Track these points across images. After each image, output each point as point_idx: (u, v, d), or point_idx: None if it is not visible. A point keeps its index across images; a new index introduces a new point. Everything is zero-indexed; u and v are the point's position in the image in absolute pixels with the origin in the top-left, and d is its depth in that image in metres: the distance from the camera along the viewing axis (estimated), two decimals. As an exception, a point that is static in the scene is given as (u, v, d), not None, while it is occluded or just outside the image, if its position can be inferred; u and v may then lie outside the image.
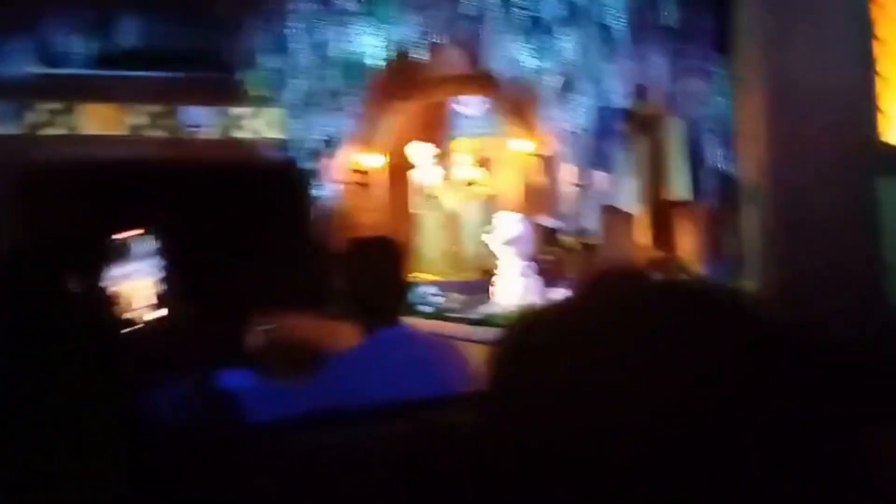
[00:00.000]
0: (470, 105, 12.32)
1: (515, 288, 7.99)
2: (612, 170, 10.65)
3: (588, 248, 10.15)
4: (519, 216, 8.31)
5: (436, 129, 12.14)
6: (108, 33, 9.35)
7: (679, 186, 8.42)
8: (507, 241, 8.01)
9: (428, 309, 9.05)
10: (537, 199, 11.07)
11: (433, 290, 9.80)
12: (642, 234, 8.74)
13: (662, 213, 8.61)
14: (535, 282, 8.13)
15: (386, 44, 9.02)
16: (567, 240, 9.87)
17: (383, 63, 9.18)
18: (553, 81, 9.86)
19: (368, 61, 9.48)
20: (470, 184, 11.32)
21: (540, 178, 11.14)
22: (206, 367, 1.91)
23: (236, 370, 2.04)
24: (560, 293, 8.20)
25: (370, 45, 8.98)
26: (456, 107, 12.35)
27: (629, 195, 9.66)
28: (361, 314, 1.88)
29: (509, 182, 11.35)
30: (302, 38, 9.25)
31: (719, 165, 7.12)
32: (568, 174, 10.43)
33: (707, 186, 7.75)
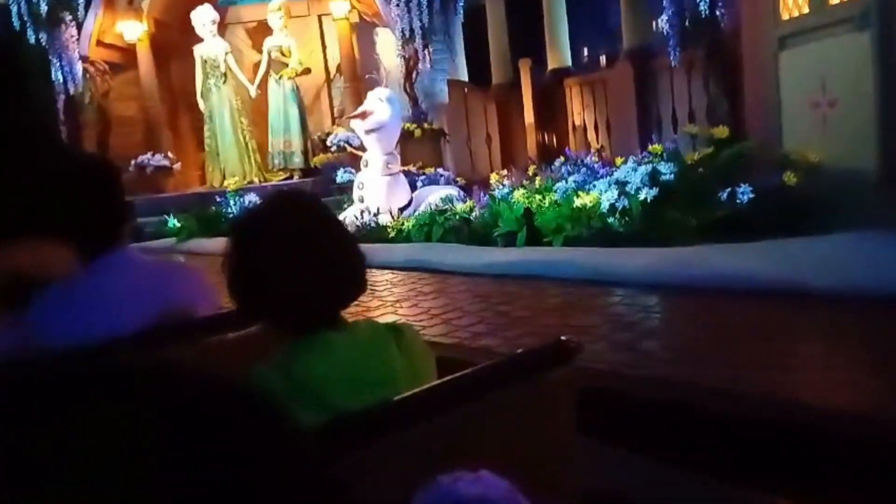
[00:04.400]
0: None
1: (376, 190, 5.97)
2: (454, 35, 8.79)
3: (432, 132, 8.31)
4: (385, 92, 6.17)
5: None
6: None
7: (562, 53, 6.75)
8: (372, 126, 5.91)
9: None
10: (361, 73, 8.92)
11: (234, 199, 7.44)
12: (528, 114, 7.00)
13: (543, 87, 6.90)
14: (399, 178, 6.16)
15: None
16: (411, 126, 7.93)
17: None
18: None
19: None
20: (276, 59, 8.80)
21: (366, 48, 8.96)
22: None
23: None
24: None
25: None
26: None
27: (484, 67, 7.86)
28: (76, 238, 1.62)
29: (331, 53, 9.03)
30: None
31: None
32: (395, 42, 8.36)
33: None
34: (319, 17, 9.32)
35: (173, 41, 8.94)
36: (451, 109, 8.11)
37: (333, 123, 9.39)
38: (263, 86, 8.85)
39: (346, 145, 8.37)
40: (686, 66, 4.94)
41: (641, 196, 3.79)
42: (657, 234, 3.61)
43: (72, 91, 8.34)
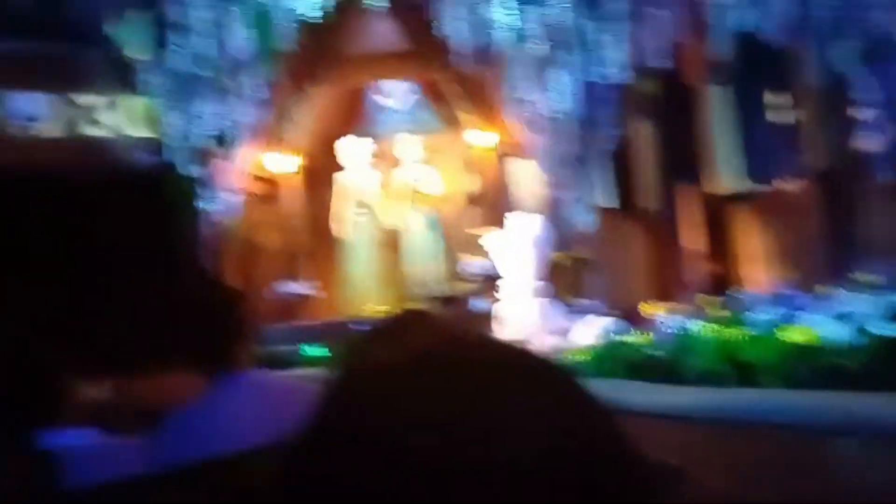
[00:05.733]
0: (394, 94, 9.87)
1: (528, 313, 5.58)
2: (603, 163, 8.58)
3: (579, 262, 7.96)
4: (532, 216, 5.93)
5: (354, 122, 9.57)
6: None
7: (730, 173, 6.35)
8: (521, 246, 5.62)
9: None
10: (498, 204, 8.79)
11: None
12: (689, 241, 6.56)
13: (707, 211, 6.47)
14: (552, 304, 5.76)
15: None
16: (555, 255, 7.62)
17: (313, 17, 6.50)
18: (531, 50, 7.64)
19: (286, 19, 6.78)
20: (415, 189, 8.82)
21: (502, 178, 8.89)
22: (22, 424, 1.70)
23: (66, 428, 1.83)
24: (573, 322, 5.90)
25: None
26: (377, 97, 9.86)
27: (634, 192, 7.57)
28: (201, 361, 1.69)
29: (465, 185, 9.04)
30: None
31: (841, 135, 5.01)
32: (542, 171, 8.23)
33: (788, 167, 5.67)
34: (460, 147, 9.39)
35: (318, 171, 9.14)
36: (597, 236, 7.77)
37: (472, 252, 9.24)
38: (404, 215, 8.85)
39: (486, 273, 8.13)
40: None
41: (882, 332, 3.24)
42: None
43: (219, 220, 8.55)
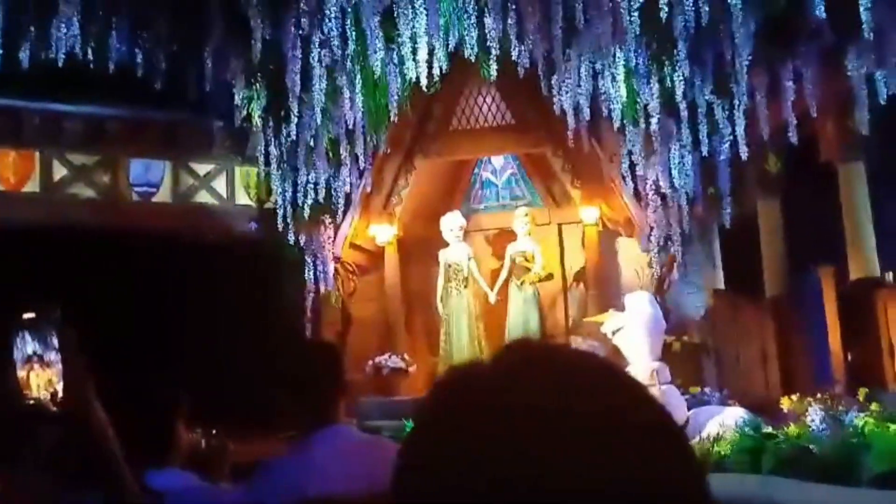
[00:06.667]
0: (495, 168, 9.78)
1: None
2: (713, 242, 8.17)
3: (691, 347, 7.48)
4: (646, 295, 5.57)
5: (457, 195, 9.49)
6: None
7: (869, 258, 5.87)
8: (636, 328, 5.25)
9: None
10: (603, 283, 8.44)
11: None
12: (819, 329, 6.06)
13: (843, 298, 5.96)
14: (673, 392, 5.32)
15: (428, 59, 6.35)
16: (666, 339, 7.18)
17: (425, 85, 6.47)
18: (645, 124, 7.42)
19: (399, 86, 6.78)
20: (517, 265, 8.57)
21: (608, 256, 8.56)
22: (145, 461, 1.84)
23: (168, 470, 2.00)
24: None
25: (410, 62, 6.28)
26: (480, 171, 9.78)
27: (756, 275, 7.09)
28: (297, 414, 1.87)
29: (570, 260, 8.75)
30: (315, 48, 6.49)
31: None
32: (651, 250, 7.88)
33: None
34: (559, 225, 9.14)
35: (419, 245, 9.03)
36: (717, 323, 7.30)
37: (569, 332, 8.87)
38: (503, 291, 8.59)
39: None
40: None
41: None
42: None
43: (322, 290, 8.49)
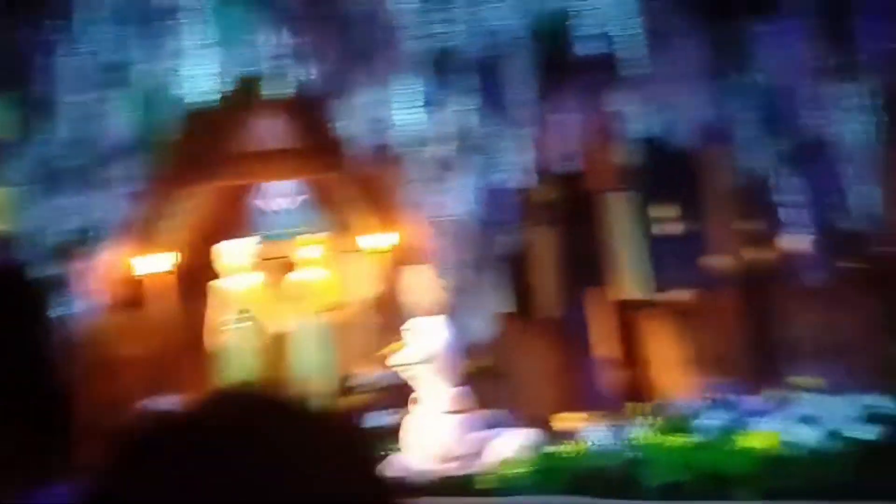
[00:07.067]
0: (281, 194, 9.40)
1: (438, 432, 5.10)
2: (503, 268, 8.36)
3: (482, 371, 7.56)
4: (438, 319, 5.52)
5: (238, 223, 8.98)
6: None
7: (635, 281, 6.28)
8: (427, 357, 5.18)
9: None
10: (394, 310, 8.33)
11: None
12: (597, 348, 6.36)
13: (616, 318, 6.33)
14: (470, 421, 5.31)
15: (204, 79, 5.95)
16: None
17: (203, 105, 6.05)
18: (431, 152, 7.47)
19: (173, 105, 6.29)
20: (304, 295, 8.24)
21: (399, 284, 8.47)
22: None
23: None
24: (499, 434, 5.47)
25: (190, 78, 5.83)
26: (260, 202, 9.34)
27: (538, 298, 7.35)
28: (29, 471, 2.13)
29: (358, 290, 8.53)
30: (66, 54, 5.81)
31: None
32: (440, 275, 7.92)
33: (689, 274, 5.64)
34: (349, 252, 8.97)
35: (194, 275, 8.40)
36: (501, 345, 7.46)
37: (364, 363, 8.68)
38: (291, 322, 8.22)
39: (382, 384, 7.59)
40: (825, 289, 4.40)
41: (860, 435, 3.04)
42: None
43: (77, 327, 7.59)
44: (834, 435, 3.13)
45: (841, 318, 4.43)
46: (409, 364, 5.26)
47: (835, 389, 3.59)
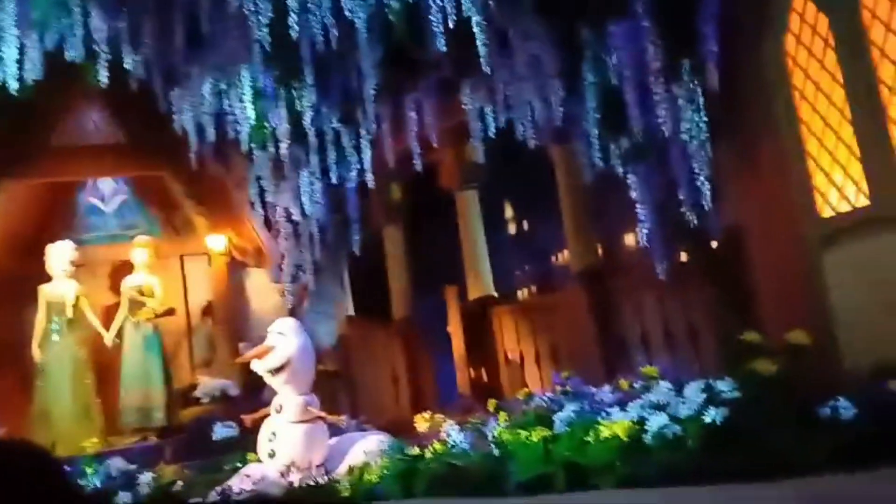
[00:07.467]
0: (104, 193, 8.69)
1: (292, 441, 4.87)
2: (343, 269, 8.13)
3: (329, 376, 7.32)
4: (289, 323, 5.25)
5: (58, 225, 8.22)
6: None
7: (485, 279, 6.31)
8: (278, 365, 4.92)
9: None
10: (231, 313, 7.90)
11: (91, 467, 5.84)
12: (447, 347, 6.33)
13: (472, 316, 6.34)
14: (320, 430, 5.10)
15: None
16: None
17: (12, 91, 5.42)
18: (272, 149, 7.15)
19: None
20: (132, 301, 7.64)
21: (236, 287, 8.04)
22: None
23: None
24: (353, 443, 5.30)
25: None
26: (90, 199, 8.59)
27: (385, 300, 7.19)
28: None
29: (195, 294, 7.98)
30: None
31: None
32: (280, 279, 7.61)
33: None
34: (182, 256, 8.43)
35: (8, 283, 7.57)
36: (348, 349, 7.28)
37: (194, 371, 8.17)
38: (121, 332, 7.59)
39: (221, 393, 7.18)
40: (668, 281, 4.59)
41: (705, 419, 3.16)
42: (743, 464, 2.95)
43: None
44: (682, 420, 3.26)
45: (683, 308, 4.69)
46: (265, 370, 4.95)
47: (682, 376, 3.77)
